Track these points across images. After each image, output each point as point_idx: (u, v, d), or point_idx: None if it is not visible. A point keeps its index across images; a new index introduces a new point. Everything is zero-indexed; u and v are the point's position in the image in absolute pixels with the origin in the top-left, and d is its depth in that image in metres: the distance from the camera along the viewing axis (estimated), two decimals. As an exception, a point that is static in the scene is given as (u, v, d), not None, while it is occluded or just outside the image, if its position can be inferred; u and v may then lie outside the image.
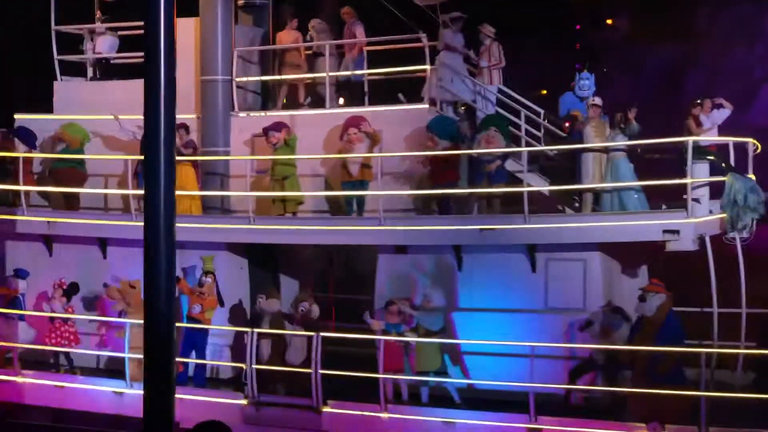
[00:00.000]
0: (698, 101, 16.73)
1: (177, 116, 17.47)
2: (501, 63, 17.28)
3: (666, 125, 17.89)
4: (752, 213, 15.03)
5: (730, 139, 16.90)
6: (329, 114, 17.77)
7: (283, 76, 18.82)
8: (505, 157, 16.12)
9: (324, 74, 18.01)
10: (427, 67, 17.24)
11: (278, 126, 17.06)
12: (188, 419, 16.63)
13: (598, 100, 16.02)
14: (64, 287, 18.08)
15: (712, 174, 15.50)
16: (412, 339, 15.64)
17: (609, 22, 49.03)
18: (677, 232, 14.38)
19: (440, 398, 15.80)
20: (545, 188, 16.19)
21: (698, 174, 15.34)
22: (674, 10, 39.70)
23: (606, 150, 15.50)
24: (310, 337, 15.77)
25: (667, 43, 41.14)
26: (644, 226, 14.68)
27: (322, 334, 15.83)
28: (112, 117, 18.65)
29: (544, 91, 52.23)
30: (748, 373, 15.72)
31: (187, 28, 18.84)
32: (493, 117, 16.61)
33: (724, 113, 16.63)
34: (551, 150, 16.83)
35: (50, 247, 19.25)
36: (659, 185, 15.26)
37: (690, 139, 14.45)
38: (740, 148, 16.86)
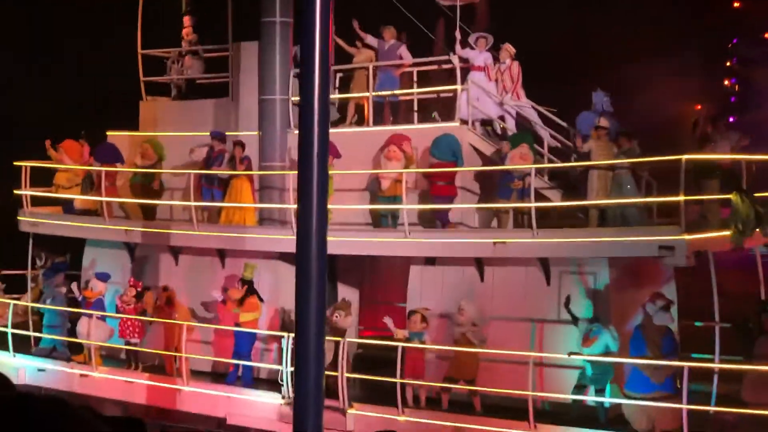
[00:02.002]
0: (706, 116, 16.90)
1: (241, 133, 19.02)
2: (518, 82, 17.88)
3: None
4: (755, 226, 15.20)
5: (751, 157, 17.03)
6: (370, 132, 18.69)
7: (332, 96, 19.81)
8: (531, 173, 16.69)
9: (367, 94, 18.93)
10: (458, 87, 17.96)
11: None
12: (233, 415, 18.15)
13: (604, 122, 16.45)
14: (138, 288, 19.65)
15: (722, 191, 15.73)
16: (432, 347, 16.48)
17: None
18: (672, 248, 14.71)
19: (460, 404, 16.53)
20: (549, 204, 16.71)
21: (710, 191, 15.66)
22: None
23: (611, 168, 15.93)
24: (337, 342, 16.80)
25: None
26: (641, 242, 15.06)
27: (348, 339, 16.85)
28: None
29: (699, 106, 51.64)
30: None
31: (250, 52, 20.18)
32: (523, 134, 17.24)
33: (734, 136, 16.78)
34: (558, 168, 17.32)
35: (132, 254, 20.97)
36: (657, 202, 15.59)
37: (683, 158, 14.73)
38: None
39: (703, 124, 16.75)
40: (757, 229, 15.57)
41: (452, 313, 16.76)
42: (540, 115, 18.26)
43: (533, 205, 16.06)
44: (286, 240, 18.56)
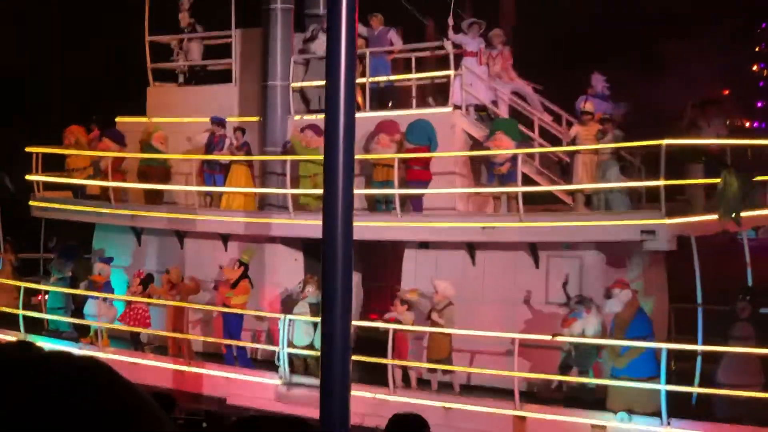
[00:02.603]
0: (693, 104, 17.04)
1: (243, 119, 19.34)
2: (509, 68, 18.10)
3: None
4: (741, 206, 15.31)
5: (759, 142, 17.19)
6: (365, 117, 18.93)
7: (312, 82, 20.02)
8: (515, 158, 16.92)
9: (364, 80, 19.17)
10: (451, 72, 18.18)
11: (314, 128, 18.41)
12: (233, 395, 18.56)
13: (589, 107, 16.63)
14: (142, 277, 20.11)
15: (707, 175, 15.88)
16: (414, 327, 16.78)
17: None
18: (654, 232, 14.90)
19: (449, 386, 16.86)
20: (530, 189, 16.88)
21: (695, 176, 15.84)
22: None
23: (596, 153, 16.13)
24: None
25: None
26: (624, 226, 15.26)
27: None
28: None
29: (726, 91, 51.43)
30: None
31: (252, 39, 20.51)
32: (500, 121, 17.47)
33: (720, 122, 16.93)
34: (543, 152, 17.54)
35: (140, 239, 21.44)
36: (636, 186, 15.78)
37: (663, 142, 14.90)
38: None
39: (692, 111, 16.90)
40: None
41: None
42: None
43: (515, 189, 16.32)
44: (285, 225, 19.02)
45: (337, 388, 7.39)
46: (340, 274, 7.35)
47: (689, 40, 50.09)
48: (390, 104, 19.88)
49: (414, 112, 18.55)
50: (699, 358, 15.38)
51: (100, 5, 28.65)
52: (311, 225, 18.43)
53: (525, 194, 16.87)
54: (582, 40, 50.97)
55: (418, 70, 19.02)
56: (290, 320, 17.83)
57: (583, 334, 15.08)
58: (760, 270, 16.86)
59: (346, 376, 7.39)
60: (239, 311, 18.41)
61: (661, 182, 14.93)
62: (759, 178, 15.63)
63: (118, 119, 22.52)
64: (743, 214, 15.30)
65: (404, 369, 17.07)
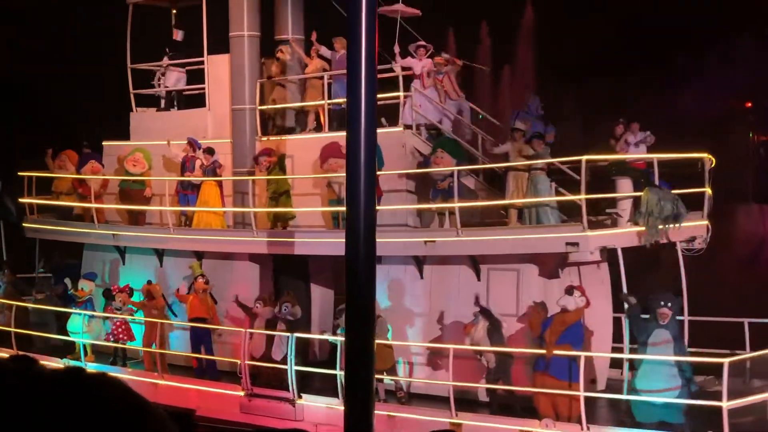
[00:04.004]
0: (621, 121, 17.62)
1: (216, 141, 20.23)
2: (456, 86, 18.83)
3: None
4: (664, 222, 15.86)
5: (689, 156, 17.75)
6: (323, 138, 19.71)
7: (276, 105, 20.86)
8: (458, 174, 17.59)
9: (323, 102, 19.95)
10: (401, 93, 18.91)
11: (267, 151, 19.29)
12: (201, 407, 19.32)
13: (519, 124, 17.29)
14: (127, 291, 21.05)
15: (636, 189, 16.48)
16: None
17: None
18: (577, 244, 15.52)
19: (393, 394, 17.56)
20: (468, 204, 17.53)
21: (622, 189, 16.47)
22: None
23: (527, 169, 16.77)
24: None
25: None
26: (550, 238, 15.90)
27: (296, 334, 17.98)
28: (167, 143, 21.45)
29: (749, 104, 51.39)
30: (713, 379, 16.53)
31: (222, 64, 21.42)
32: (442, 140, 18.17)
33: (650, 138, 17.49)
34: (479, 168, 18.21)
35: (123, 257, 22.42)
36: (566, 200, 16.42)
37: (583, 158, 15.51)
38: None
39: (618, 128, 17.51)
40: (675, 225, 16.25)
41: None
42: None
43: (452, 205, 17.01)
44: (251, 242, 19.84)
45: (359, 404, 7.93)
46: (364, 292, 7.76)
47: (709, 51, 50.41)
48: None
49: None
50: (626, 366, 15.95)
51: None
52: (276, 242, 19.40)
53: (476, 209, 17.60)
54: (603, 53, 51.57)
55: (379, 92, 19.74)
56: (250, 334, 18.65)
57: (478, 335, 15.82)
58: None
59: (370, 394, 7.87)
60: (208, 326, 19.28)
61: (582, 196, 15.54)
62: (675, 191, 16.15)
63: (104, 143, 23.53)
64: (671, 226, 15.88)
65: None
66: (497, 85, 44.87)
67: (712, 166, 17.56)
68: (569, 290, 15.45)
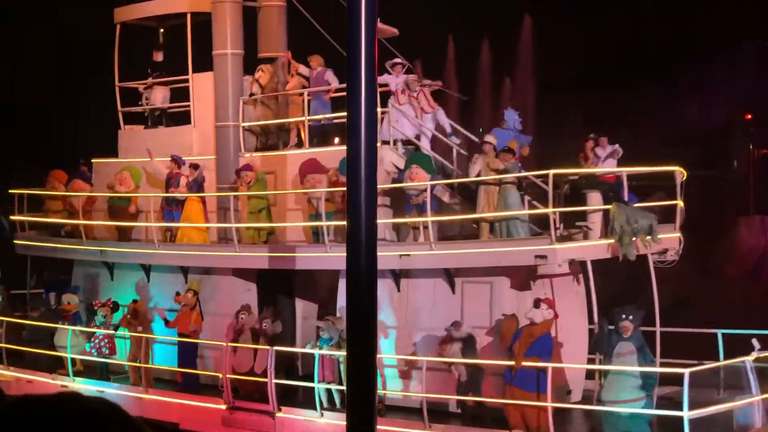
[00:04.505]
0: (592, 136, 17.84)
1: (200, 157, 20.63)
2: (430, 100, 19.09)
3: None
4: (632, 237, 16.06)
5: (660, 169, 17.96)
6: (307, 154, 20.00)
7: (263, 122, 21.18)
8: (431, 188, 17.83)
9: (304, 118, 20.26)
10: (378, 109, 19.12)
11: (247, 167, 19.58)
12: (184, 421, 19.60)
13: (490, 138, 17.51)
14: (110, 305, 21.36)
15: (605, 203, 16.68)
16: (332, 353, 17.76)
17: None
18: (545, 256, 15.74)
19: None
20: (440, 218, 17.77)
21: (592, 203, 16.71)
22: None
23: (498, 183, 16.99)
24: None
25: None
26: (520, 251, 16.12)
27: (276, 348, 18.24)
28: (151, 158, 21.77)
29: (749, 116, 51.38)
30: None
31: (206, 82, 21.74)
32: (415, 155, 18.41)
33: (618, 151, 17.70)
34: (452, 183, 18.47)
35: (112, 273, 22.74)
36: (528, 214, 16.65)
37: (551, 172, 15.74)
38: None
39: (589, 143, 17.74)
40: (648, 237, 16.43)
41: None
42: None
43: (425, 219, 17.24)
44: (235, 257, 20.10)
45: (363, 420, 7.87)
46: (365, 306, 7.71)
47: (711, 63, 50.56)
48: (336, 141, 20.93)
49: (344, 148, 19.52)
50: (597, 377, 16.16)
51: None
52: (256, 257, 19.66)
53: (452, 222, 17.87)
54: (605, 65, 51.80)
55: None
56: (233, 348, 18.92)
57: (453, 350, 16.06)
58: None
59: (372, 409, 7.81)
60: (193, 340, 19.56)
61: (550, 210, 15.77)
62: (638, 204, 16.35)
63: (94, 160, 23.88)
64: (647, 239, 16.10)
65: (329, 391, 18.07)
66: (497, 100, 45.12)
67: (684, 179, 17.74)
68: (536, 303, 15.69)
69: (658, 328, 17.37)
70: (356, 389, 7.74)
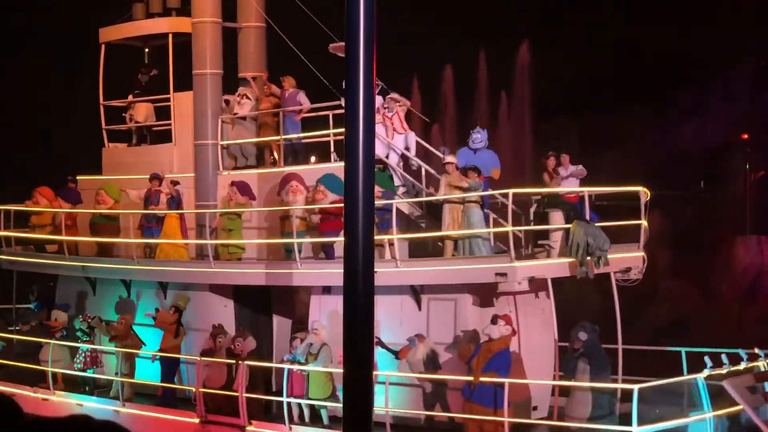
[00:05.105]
0: (552, 153, 18.15)
1: (180, 175, 20.98)
2: (403, 122, 19.47)
3: None
4: (587, 256, 16.38)
5: (623, 189, 18.29)
6: (279, 173, 20.36)
7: (240, 140, 21.59)
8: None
9: (278, 137, 20.65)
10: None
11: (238, 184, 20.03)
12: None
13: (450, 158, 17.85)
14: (89, 320, 21.73)
15: (567, 222, 17.00)
16: (305, 368, 18.07)
17: None
18: (505, 274, 16.05)
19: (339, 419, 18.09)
20: (405, 236, 18.09)
21: (554, 221, 17.03)
22: None
23: (461, 201, 17.31)
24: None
25: None
26: (481, 269, 16.44)
27: (247, 362, 18.58)
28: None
29: (746, 135, 51.58)
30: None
31: (187, 101, 22.13)
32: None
33: (582, 171, 17.99)
34: (417, 201, 18.81)
35: (94, 288, 23.12)
36: (490, 232, 16.97)
37: (510, 191, 16.07)
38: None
39: (549, 161, 18.05)
40: (602, 259, 16.71)
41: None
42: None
43: (396, 237, 17.58)
44: (211, 273, 20.44)
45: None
46: (363, 320, 7.94)
47: (707, 84, 50.84)
48: (313, 159, 21.31)
49: (318, 167, 19.97)
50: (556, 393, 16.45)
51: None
52: (234, 273, 20.02)
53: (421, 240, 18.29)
54: (601, 86, 52.09)
55: (324, 128, 20.46)
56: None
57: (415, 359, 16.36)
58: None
59: (368, 420, 8.03)
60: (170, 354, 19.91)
61: (509, 228, 16.09)
62: (600, 224, 16.66)
63: (79, 177, 24.28)
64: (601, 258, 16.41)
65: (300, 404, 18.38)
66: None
67: (648, 199, 18.05)
68: (494, 319, 15.99)
69: (620, 346, 17.64)
70: (352, 405, 7.92)
